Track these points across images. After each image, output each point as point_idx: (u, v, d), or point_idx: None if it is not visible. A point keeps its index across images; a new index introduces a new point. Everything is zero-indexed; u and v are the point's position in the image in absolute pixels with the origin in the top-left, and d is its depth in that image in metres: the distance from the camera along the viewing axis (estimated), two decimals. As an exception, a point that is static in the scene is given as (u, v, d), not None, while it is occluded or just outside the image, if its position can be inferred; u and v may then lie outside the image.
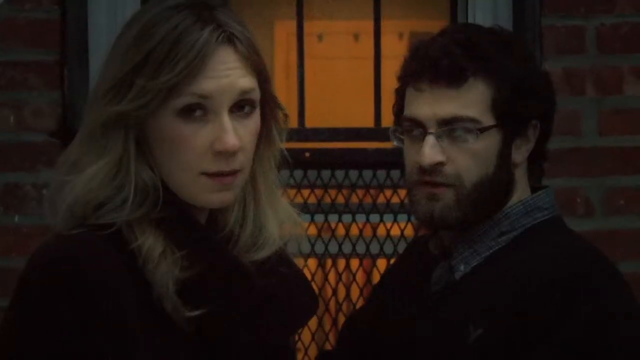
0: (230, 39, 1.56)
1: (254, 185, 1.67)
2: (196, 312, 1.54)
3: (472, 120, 1.88)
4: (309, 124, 3.06)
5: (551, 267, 1.85)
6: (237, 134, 1.56)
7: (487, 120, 1.89)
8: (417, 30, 4.69)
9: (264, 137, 1.65)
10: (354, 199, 3.09)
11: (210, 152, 1.56)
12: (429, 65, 1.89)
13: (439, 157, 1.88)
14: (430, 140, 1.88)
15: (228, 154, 1.56)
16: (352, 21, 4.68)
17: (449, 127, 1.88)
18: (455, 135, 1.89)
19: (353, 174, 3.05)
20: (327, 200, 3.08)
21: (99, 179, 1.56)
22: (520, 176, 1.96)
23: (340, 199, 3.09)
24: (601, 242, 2.89)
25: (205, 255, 1.59)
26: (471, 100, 1.89)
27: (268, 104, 1.64)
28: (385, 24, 3.08)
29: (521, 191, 1.96)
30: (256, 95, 1.60)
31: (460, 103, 1.88)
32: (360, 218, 3.07)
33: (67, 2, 2.88)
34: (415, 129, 1.92)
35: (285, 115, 1.68)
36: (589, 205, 2.92)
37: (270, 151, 1.67)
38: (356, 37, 5.02)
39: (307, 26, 3.10)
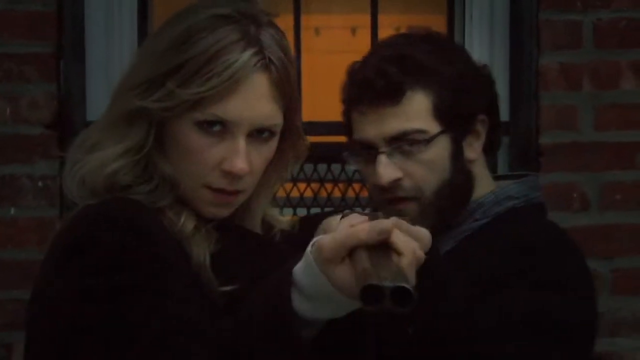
0: (267, 67, 1.55)
1: (251, 205, 1.68)
2: (228, 287, 1.53)
3: (419, 131, 1.91)
4: (306, 117, 3.01)
5: (516, 239, 1.88)
6: (248, 158, 1.56)
7: (434, 127, 1.91)
8: (414, 25, 4.69)
9: (274, 163, 1.65)
10: (351, 193, 3.09)
11: (218, 169, 1.56)
12: (366, 88, 1.92)
13: (395, 174, 1.91)
14: (382, 159, 1.91)
15: (234, 176, 1.56)
16: (350, 15, 4.68)
17: (398, 143, 1.91)
18: (406, 150, 1.91)
19: (349, 167, 3.04)
20: (324, 194, 3.08)
21: (118, 158, 1.56)
22: (480, 170, 2.00)
23: (337, 193, 3.09)
24: (597, 237, 2.90)
25: (234, 231, 1.61)
26: (414, 113, 1.91)
27: (290, 134, 1.65)
28: (382, 18, 3.07)
29: (485, 183, 2.00)
30: (278, 126, 1.60)
31: (404, 117, 1.91)
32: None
33: (63, -5, 2.88)
34: (366, 150, 1.94)
35: (307, 147, 1.69)
36: (585, 200, 2.92)
37: (277, 178, 1.69)
38: (353, 31, 5.02)
39: (305, 20, 3.10)
